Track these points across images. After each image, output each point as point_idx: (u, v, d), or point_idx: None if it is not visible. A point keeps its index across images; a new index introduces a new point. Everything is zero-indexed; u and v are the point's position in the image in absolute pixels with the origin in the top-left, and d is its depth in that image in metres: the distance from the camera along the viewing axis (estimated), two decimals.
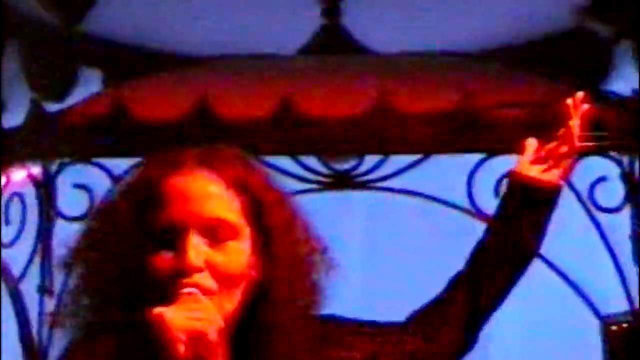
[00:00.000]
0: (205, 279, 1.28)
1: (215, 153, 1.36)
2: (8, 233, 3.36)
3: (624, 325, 3.82)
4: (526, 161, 1.71)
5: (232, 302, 1.30)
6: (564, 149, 1.66)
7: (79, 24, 3.57)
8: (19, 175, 3.35)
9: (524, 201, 1.67)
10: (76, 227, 1.40)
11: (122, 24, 3.66)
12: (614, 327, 3.84)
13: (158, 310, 1.24)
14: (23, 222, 3.37)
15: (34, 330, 3.28)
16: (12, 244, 3.36)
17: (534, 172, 1.69)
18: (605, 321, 3.73)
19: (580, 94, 1.67)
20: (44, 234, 3.27)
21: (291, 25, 3.58)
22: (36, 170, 3.35)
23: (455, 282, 1.66)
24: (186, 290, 1.27)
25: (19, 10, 3.50)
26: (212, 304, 1.27)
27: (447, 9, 3.49)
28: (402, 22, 3.55)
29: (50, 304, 3.15)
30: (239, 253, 1.31)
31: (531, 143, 1.70)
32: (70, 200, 3.29)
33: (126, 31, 3.70)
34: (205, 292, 1.28)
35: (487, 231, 1.71)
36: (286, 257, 1.34)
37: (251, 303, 1.33)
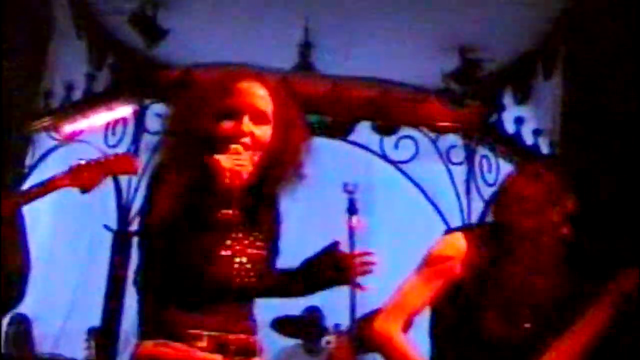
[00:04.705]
0: (248, 140, 1.93)
1: (264, 77, 2.01)
2: None
3: None
4: None
5: (256, 157, 1.93)
6: None
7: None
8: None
9: None
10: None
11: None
12: None
13: (215, 156, 1.83)
14: None
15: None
16: None
17: None
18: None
19: None
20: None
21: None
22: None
23: None
24: (233, 145, 1.88)
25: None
26: (247, 156, 1.88)
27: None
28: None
29: None
30: (267, 132, 1.98)
31: None
32: None
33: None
34: (247, 147, 1.90)
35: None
36: (292, 137, 2.01)
37: (263, 170, 1.94)
